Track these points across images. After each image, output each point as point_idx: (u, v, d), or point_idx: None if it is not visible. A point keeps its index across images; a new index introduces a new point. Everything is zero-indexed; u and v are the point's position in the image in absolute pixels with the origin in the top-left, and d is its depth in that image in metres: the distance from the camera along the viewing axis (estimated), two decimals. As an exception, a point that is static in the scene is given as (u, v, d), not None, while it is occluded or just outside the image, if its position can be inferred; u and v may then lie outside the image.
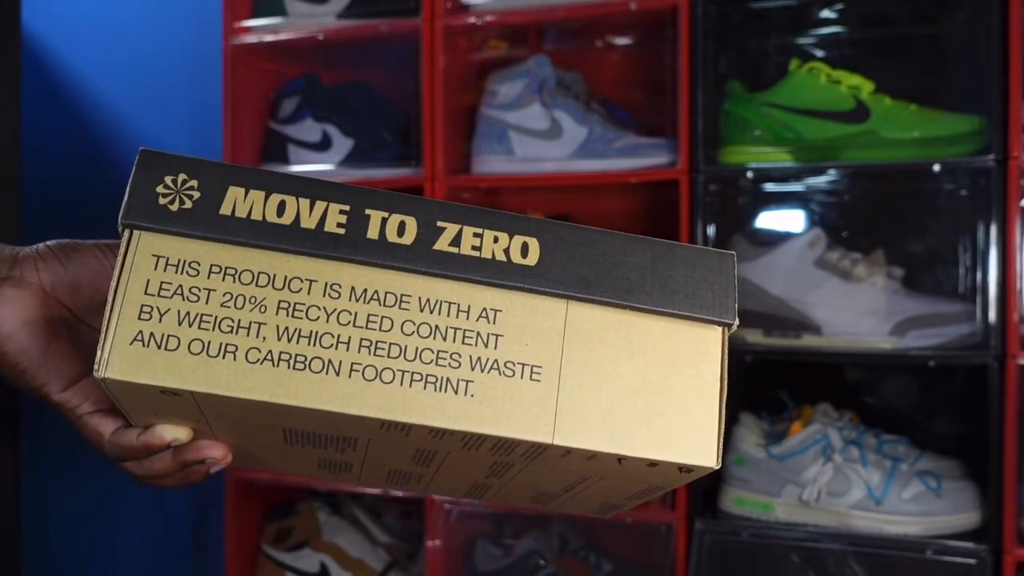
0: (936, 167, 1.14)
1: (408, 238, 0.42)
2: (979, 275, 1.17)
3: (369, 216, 0.42)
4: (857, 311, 1.19)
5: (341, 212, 0.42)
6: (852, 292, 1.20)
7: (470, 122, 1.39)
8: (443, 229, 0.43)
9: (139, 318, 0.40)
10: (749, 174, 1.22)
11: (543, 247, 0.43)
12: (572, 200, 1.46)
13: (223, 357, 0.40)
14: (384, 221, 0.42)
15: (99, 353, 0.39)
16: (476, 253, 0.42)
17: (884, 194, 1.33)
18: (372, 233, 0.42)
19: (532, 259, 0.43)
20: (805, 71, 1.22)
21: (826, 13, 1.31)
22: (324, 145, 1.46)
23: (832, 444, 1.18)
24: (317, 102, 1.47)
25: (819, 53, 1.31)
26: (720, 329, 0.44)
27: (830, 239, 1.24)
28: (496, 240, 0.43)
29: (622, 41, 1.48)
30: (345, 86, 1.50)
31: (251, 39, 1.44)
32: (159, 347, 0.40)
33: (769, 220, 1.36)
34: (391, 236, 0.42)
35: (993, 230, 1.11)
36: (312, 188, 0.42)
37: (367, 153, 1.44)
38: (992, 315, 1.11)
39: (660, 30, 1.31)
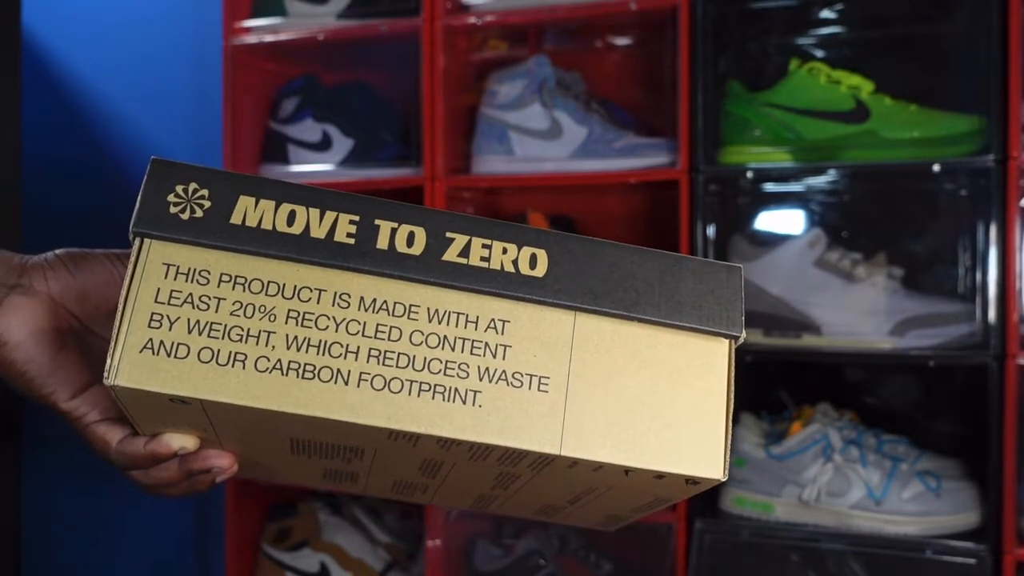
0: (936, 167, 1.14)
1: (417, 248, 0.42)
2: (979, 275, 1.17)
3: (379, 226, 0.42)
4: (857, 311, 1.19)
5: (351, 222, 0.42)
6: (852, 292, 1.20)
7: (470, 122, 1.39)
8: (452, 240, 0.43)
9: (149, 326, 0.40)
10: (749, 174, 1.22)
11: (551, 259, 0.43)
12: (572, 200, 1.46)
13: (232, 366, 0.40)
14: (393, 231, 0.42)
15: (109, 360, 0.39)
16: (485, 264, 0.43)
17: (884, 194, 1.33)
18: (381, 243, 0.42)
19: (540, 270, 0.43)
20: (805, 71, 1.22)
21: (826, 13, 1.31)
22: (324, 145, 1.46)
23: (832, 444, 1.18)
24: (317, 102, 1.47)
25: (819, 53, 1.31)
26: (727, 342, 0.44)
27: (830, 239, 1.24)
28: (505, 251, 0.43)
29: (622, 41, 1.48)
30: (345, 86, 1.50)
31: (251, 39, 1.44)
32: (169, 355, 0.40)
33: (769, 220, 1.36)
34: (400, 246, 0.42)
35: (993, 230, 1.11)
36: (322, 198, 0.43)
37: (367, 153, 1.44)
38: (992, 315, 1.11)
39: (660, 30, 1.31)
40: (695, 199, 1.21)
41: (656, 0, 1.24)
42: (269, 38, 1.43)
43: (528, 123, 1.33)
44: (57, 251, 0.50)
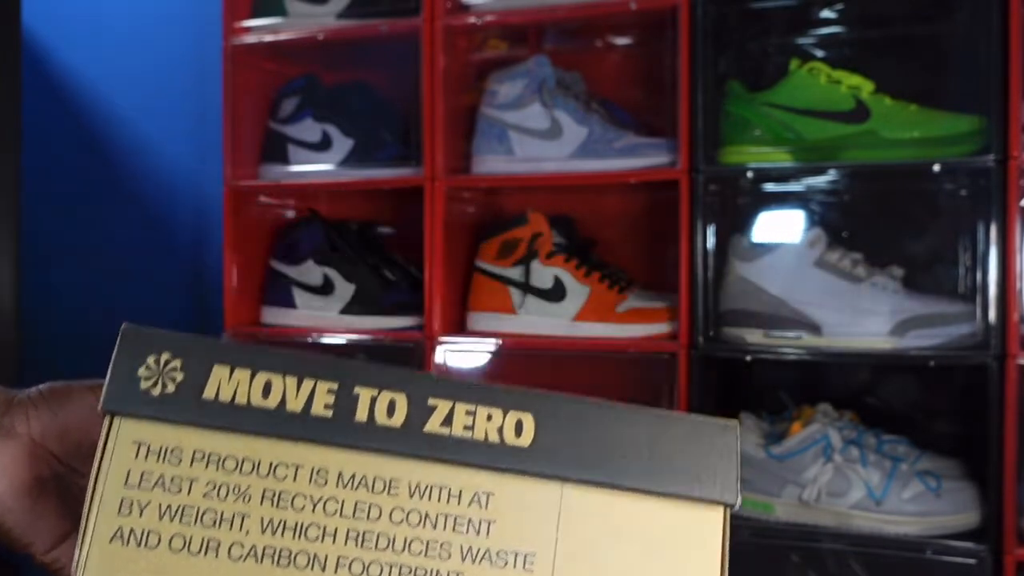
0: (936, 167, 1.14)
1: (398, 419, 0.41)
2: (979, 275, 1.17)
3: (358, 395, 0.41)
4: (857, 311, 1.19)
5: (329, 391, 0.41)
6: (852, 292, 1.20)
7: (470, 122, 1.39)
8: (434, 408, 0.42)
9: (119, 513, 0.39)
10: (749, 174, 1.22)
11: (538, 424, 0.42)
12: (572, 200, 1.46)
13: (205, 554, 0.39)
14: (373, 400, 0.41)
15: (77, 552, 0.39)
16: (468, 434, 0.41)
17: (884, 194, 1.33)
18: (360, 415, 0.41)
19: (526, 439, 0.42)
20: (805, 71, 1.22)
21: (826, 13, 1.31)
22: (324, 145, 1.46)
23: (832, 444, 1.18)
24: (317, 102, 1.47)
25: (819, 53, 1.31)
26: (721, 509, 0.43)
27: (830, 239, 1.24)
28: (489, 418, 0.42)
29: (622, 41, 1.48)
30: (345, 86, 1.50)
31: (251, 39, 1.44)
32: (139, 545, 0.39)
33: (769, 220, 1.36)
34: (380, 418, 0.41)
35: (993, 230, 1.11)
36: (299, 366, 0.41)
37: (367, 153, 1.44)
38: (992, 315, 1.11)
39: (660, 30, 1.31)
40: (695, 199, 1.21)
41: (656, 0, 1.24)
42: (269, 38, 1.43)
43: (528, 123, 1.33)
44: (41, 387, 0.49)
